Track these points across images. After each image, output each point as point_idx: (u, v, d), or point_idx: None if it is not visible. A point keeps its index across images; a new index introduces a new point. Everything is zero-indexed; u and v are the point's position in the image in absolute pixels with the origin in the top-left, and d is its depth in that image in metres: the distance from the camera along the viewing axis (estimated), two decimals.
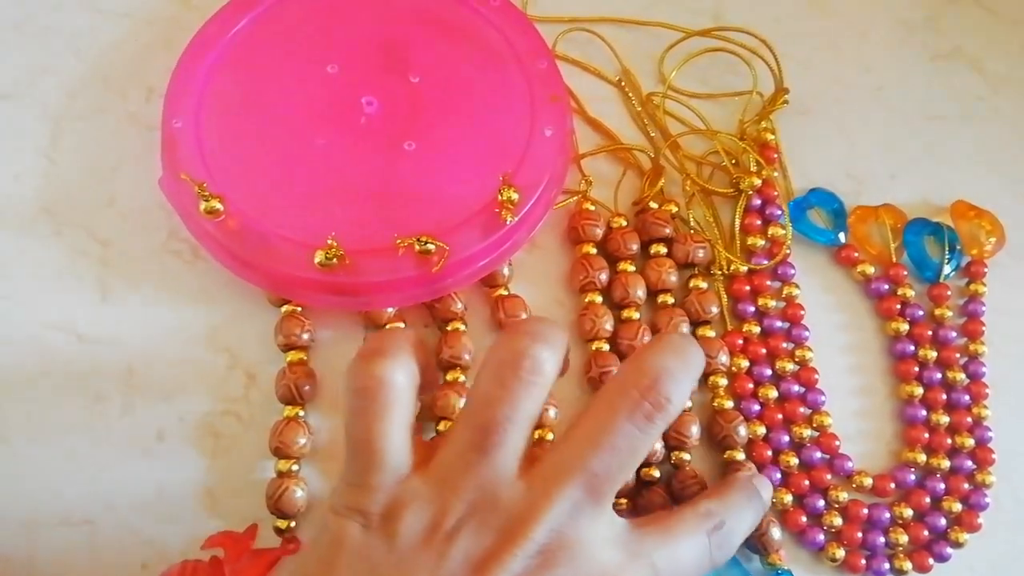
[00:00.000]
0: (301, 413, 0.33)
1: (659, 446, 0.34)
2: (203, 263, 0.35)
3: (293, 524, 0.32)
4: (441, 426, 0.33)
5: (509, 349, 0.26)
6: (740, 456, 0.34)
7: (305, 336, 0.33)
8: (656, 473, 0.34)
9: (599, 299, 0.36)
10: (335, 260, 0.31)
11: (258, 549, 0.32)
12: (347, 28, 0.36)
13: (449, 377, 0.34)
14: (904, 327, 0.37)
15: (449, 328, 0.35)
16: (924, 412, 0.36)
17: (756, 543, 0.33)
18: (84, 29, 0.38)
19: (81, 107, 0.37)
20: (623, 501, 0.33)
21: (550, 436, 0.33)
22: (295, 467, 0.32)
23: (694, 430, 0.34)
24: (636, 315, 0.36)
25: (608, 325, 0.35)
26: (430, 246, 0.31)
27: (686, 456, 0.34)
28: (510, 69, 0.36)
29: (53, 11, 0.38)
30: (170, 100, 0.34)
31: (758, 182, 0.38)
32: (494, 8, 0.37)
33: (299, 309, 0.34)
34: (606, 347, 0.35)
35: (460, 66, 0.36)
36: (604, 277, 0.36)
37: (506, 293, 0.35)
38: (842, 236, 0.38)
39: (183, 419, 0.33)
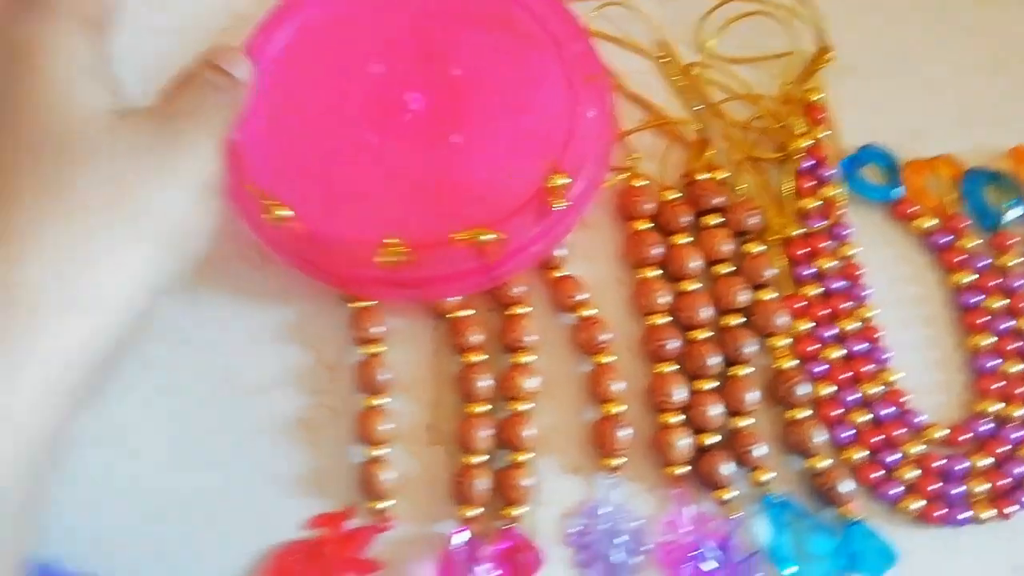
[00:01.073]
0: (381, 401, 0.35)
1: (717, 411, 0.34)
2: (273, 266, 0.36)
3: (384, 504, 0.34)
4: (511, 405, 0.34)
5: None
6: (803, 414, 0.34)
7: (378, 329, 0.35)
8: (713, 439, 0.34)
9: (656, 274, 0.36)
10: (396, 258, 0.32)
11: (354, 528, 0.34)
12: (386, 27, 0.37)
13: (514, 360, 0.35)
14: (968, 278, 0.37)
15: (510, 312, 0.35)
16: (995, 361, 0.36)
17: (826, 496, 0.34)
18: (140, 46, 0.39)
19: None
20: (684, 467, 0.34)
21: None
22: (381, 452, 0.34)
23: (750, 395, 0.35)
24: (694, 286, 0.36)
25: (665, 299, 0.36)
26: (486, 237, 0.32)
27: (746, 421, 0.35)
28: (547, 53, 0.36)
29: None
30: None
31: (805, 144, 0.38)
32: None
33: (370, 303, 0.35)
34: (663, 320, 0.36)
35: (498, 55, 0.37)
36: (659, 251, 0.36)
37: (562, 274, 0.36)
38: (897, 191, 0.38)
39: (275, 413, 0.35)
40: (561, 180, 0.33)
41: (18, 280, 0.24)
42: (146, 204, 0.27)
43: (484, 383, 0.35)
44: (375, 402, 0.35)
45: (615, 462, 0.34)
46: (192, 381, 0.36)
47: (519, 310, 0.36)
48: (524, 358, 0.35)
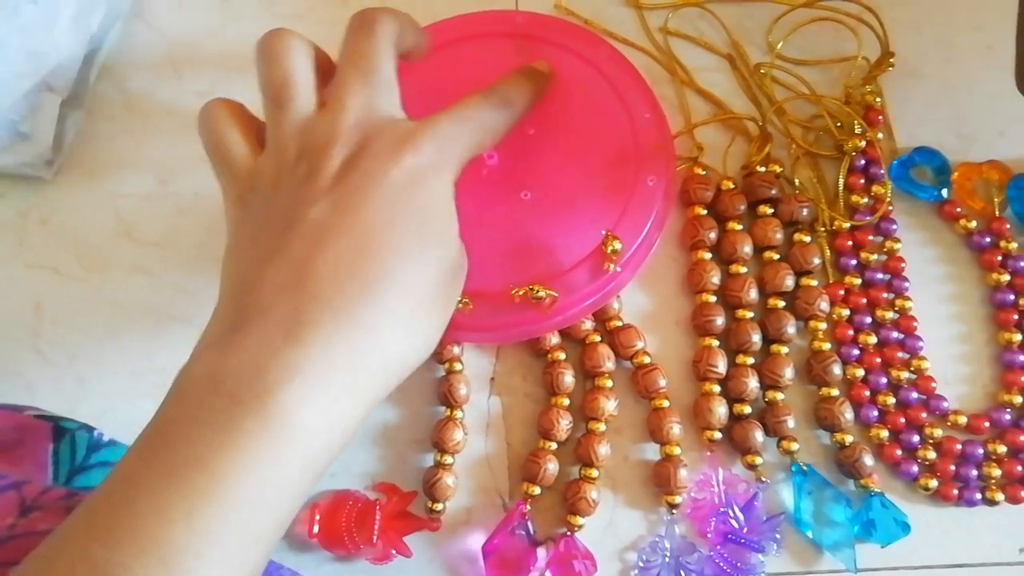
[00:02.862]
0: (459, 414, 0.38)
1: (754, 384, 0.38)
2: None
3: (441, 507, 0.37)
4: (590, 425, 0.38)
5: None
6: (834, 392, 0.38)
7: (456, 350, 0.39)
8: (747, 409, 0.38)
9: (708, 256, 0.40)
10: (460, 305, 0.34)
11: (408, 512, 0.38)
12: (467, 84, 0.35)
13: (596, 383, 0.38)
14: (1005, 277, 0.39)
15: (590, 340, 0.39)
16: (1022, 357, 0.38)
17: (849, 468, 0.37)
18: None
19: None
20: (717, 434, 0.38)
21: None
22: (449, 460, 0.38)
23: (787, 372, 0.38)
24: (743, 269, 0.40)
25: (716, 279, 0.39)
26: (541, 294, 0.36)
27: (779, 395, 0.38)
28: (618, 119, 0.39)
29: (238, 20, 0.45)
30: None
31: (861, 144, 0.40)
32: (604, 59, 0.40)
33: None
34: (712, 299, 0.39)
35: (572, 118, 0.39)
36: (713, 236, 0.40)
37: (619, 324, 0.39)
38: (945, 192, 0.40)
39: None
40: (616, 245, 0.36)
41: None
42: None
43: (567, 380, 0.38)
44: (452, 414, 0.38)
45: (677, 499, 0.37)
46: None
47: (596, 339, 0.39)
48: (604, 382, 0.38)
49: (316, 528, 0.37)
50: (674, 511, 0.38)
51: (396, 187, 0.28)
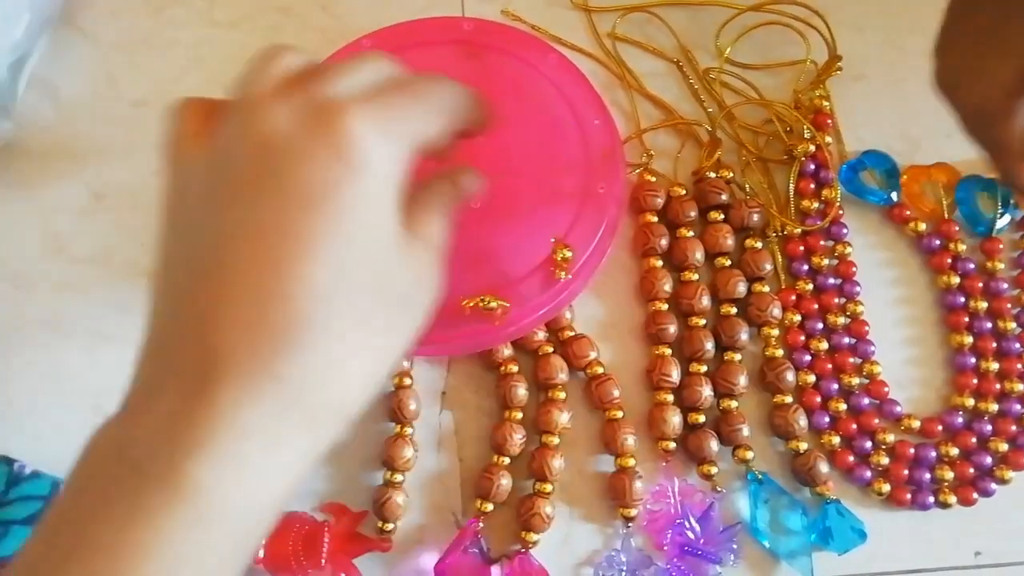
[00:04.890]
0: (408, 430, 0.37)
1: (708, 392, 0.37)
2: None
3: (391, 527, 0.36)
4: (544, 439, 0.37)
5: None
6: (788, 399, 0.37)
7: (406, 364, 0.38)
8: (702, 418, 0.37)
9: (660, 263, 0.39)
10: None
11: (358, 533, 0.37)
12: None
13: (549, 395, 0.38)
14: (955, 280, 0.39)
15: (543, 351, 0.38)
16: (974, 360, 0.38)
17: (804, 476, 0.36)
18: (202, 40, 0.43)
19: None
20: (672, 444, 0.37)
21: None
22: (399, 478, 0.37)
23: (741, 379, 0.37)
24: (695, 277, 0.39)
25: (668, 287, 0.39)
26: (493, 304, 0.35)
27: (734, 403, 0.38)
28: (568, 126, 0.38)
29: (175, 28, 0.44)
30: None
31: (811, 148, 0.40)
32: (552, 65, 0.39)
33: None
34: (664, 307, 0.39)
35: (521, 124, 0.38)
36: (665, 243, 0.39)
37: (571, 334, 0.38)
38: (894, 195, 0.40)
39: None
40: (566, 253, 0.35)
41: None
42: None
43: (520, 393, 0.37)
44: (402, 430, 0.37)
45: (633, 512, 0.36)
46: None
47: (548, 349, 0.38)
48: (557, 394, 0.38)
49: (262, 553, 0.36)
50: (630, 524, 0.37)
51: (311, 194, 0.23)
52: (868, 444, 0.37)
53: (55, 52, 0.42)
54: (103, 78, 0.42)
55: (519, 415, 0.38)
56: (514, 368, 0.38)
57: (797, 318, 0.39)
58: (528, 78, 0.39)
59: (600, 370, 0.38)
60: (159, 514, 0.21)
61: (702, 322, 0.39)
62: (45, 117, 0.41)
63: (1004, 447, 0.37)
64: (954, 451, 0.37)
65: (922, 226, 0.40)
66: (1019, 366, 0.38)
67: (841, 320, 0.39)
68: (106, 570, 0.21)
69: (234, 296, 0.22)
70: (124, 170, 0.40)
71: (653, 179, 0.40)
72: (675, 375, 0.38)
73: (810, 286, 0.39)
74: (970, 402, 0.38)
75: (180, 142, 0.26)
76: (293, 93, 0.24)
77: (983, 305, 0.39)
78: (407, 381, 0.38)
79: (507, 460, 0.37)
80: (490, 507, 0.37)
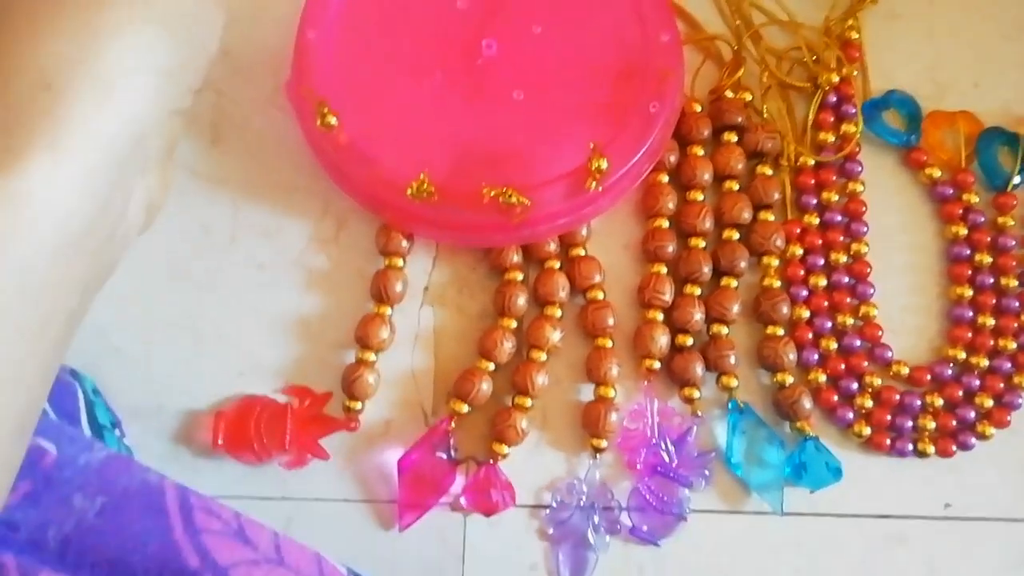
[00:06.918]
0: (388, 311, 0.36)
1: (698, 316, 0.36)
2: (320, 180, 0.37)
3: (360, 406, 0.35)
4: (532, 353, 0.36)
5: None
6: (780, 332, 0.36)
7: (403, 244, 0.36)
8: (690, 341, 0.36)
9: (666, 179, 0.38)
10: (424, 194, 0.33)
11: (323, 414, 0.36)
12: None
13: (544, 312, 0.36)
14: (963, 231, 0.38)
15: (549, 265, 0.36)
16: (971, 313, 0.37)
17: (786, 410, 0.36)
18: None
19: None
20: (656, 364, 0.36)
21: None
22: (372, 357, 0.36)
23: (735, 306, 0.36)
24: (700, 197, 0.38)
25: (671, 204, 0.37)
26: (514, 199, 0.33)
27: (724, 329, 0.36)
28: (632, 36, 0.36)
29: None
30: (308, 9, 0.35)
31: (836, 79, 0.39)
32: None
33: None
34: (666, 224, 0.37)
35: (584, 24, 0.36)
36: (674, 159, 0.38)
37: (583, 253, 0.37)
38: (914, 139, 0.39)
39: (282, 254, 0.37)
40: (602, 163, 0.33)
41: (46, 55, 0.22)
42: None
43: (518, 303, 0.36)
44: (382, 310, 0.36)
45: (603, 443, 0.36)
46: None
47: (555, 264, 0.36)
48: (553, 311, 0.36)
49: (220, 440, 0.35)
50: (598, 455, 0.36)
51: None
52: (854, 386, 0.36)
53: None
54: None
55: (513, 324, 0.36)
56: (518, 276, 0.36)
57: (799, 251, 0.37)
58: None
59: (600, 295, 0.37)
60: None
61: (702, 244, 0.37)
62: None
63: (989, 403, 0.36)
64: (939, 402, 0.36)
65: (937, 173, 0.38)
66: (1015, 325, 0.37)
67: (843, 258, 0.37)
68: None
69: None
70: None
71: None
72: (668, 294, 0.37)
73: (817, 220, 0.38)
74: (962, 355, 0.37)
75: None
76: None
77: (988, 260, 0.38)
78: (399, 262, 0.36)
79: (492, 366, 0.36)
80: (465, 409, 0.35)
